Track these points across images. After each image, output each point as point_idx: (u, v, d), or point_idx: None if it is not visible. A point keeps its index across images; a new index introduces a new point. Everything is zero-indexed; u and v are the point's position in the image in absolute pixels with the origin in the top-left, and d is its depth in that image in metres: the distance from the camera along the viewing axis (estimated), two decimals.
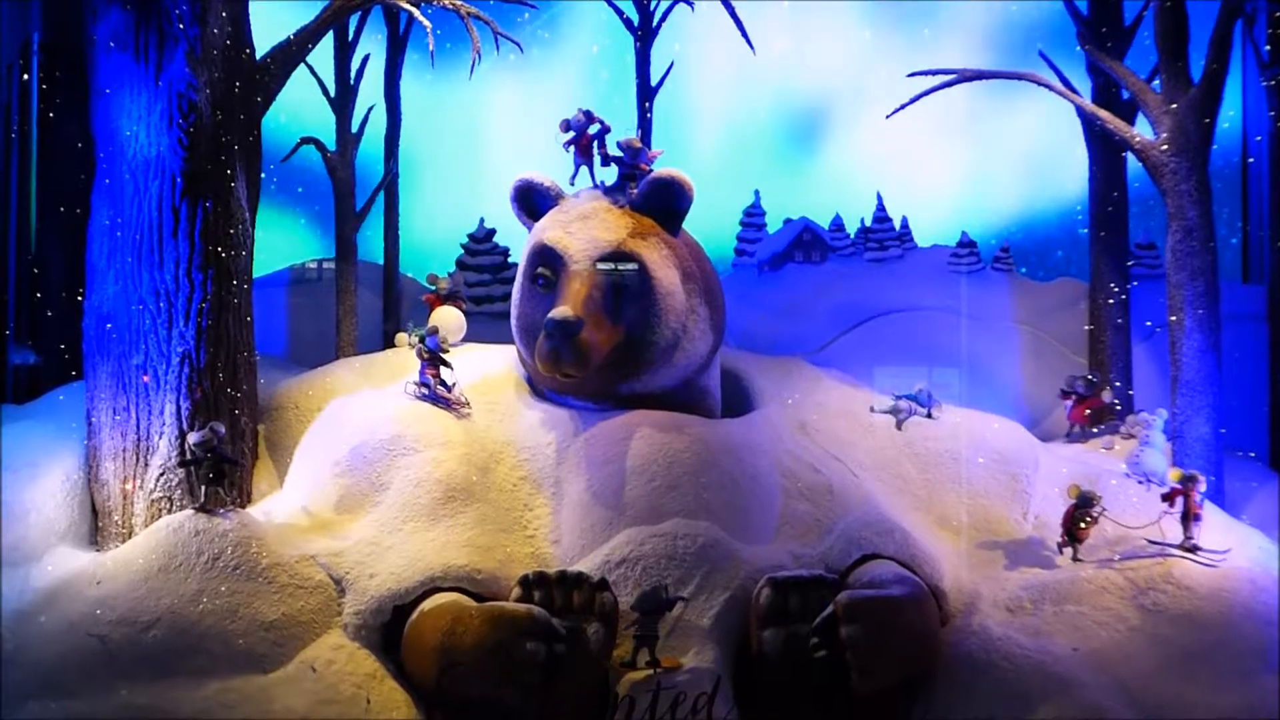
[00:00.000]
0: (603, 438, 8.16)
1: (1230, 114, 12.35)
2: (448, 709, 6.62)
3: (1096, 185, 11.37)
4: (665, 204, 8.76)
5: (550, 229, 8.60)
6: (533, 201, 9.01)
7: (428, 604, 6.97)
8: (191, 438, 7.60)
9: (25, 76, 9.96)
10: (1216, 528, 7.89)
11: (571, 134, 8.89)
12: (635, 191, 8.79)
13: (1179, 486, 7.65)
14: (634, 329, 8.34)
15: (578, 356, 7.94)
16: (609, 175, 9.03)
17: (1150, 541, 7.75)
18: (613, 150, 8.92)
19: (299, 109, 11.89)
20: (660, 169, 8.78)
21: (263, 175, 8.91)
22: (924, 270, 14.81)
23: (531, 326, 8.48)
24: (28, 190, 10.10)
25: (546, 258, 8.50)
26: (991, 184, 15.51)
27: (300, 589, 7.17)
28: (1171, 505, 7.67)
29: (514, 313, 8.83)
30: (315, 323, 12.58)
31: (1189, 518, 7.63)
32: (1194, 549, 7.57)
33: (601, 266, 8.31)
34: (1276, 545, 8.01)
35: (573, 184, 9.06)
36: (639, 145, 8.84)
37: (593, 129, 8.88)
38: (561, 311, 7.91)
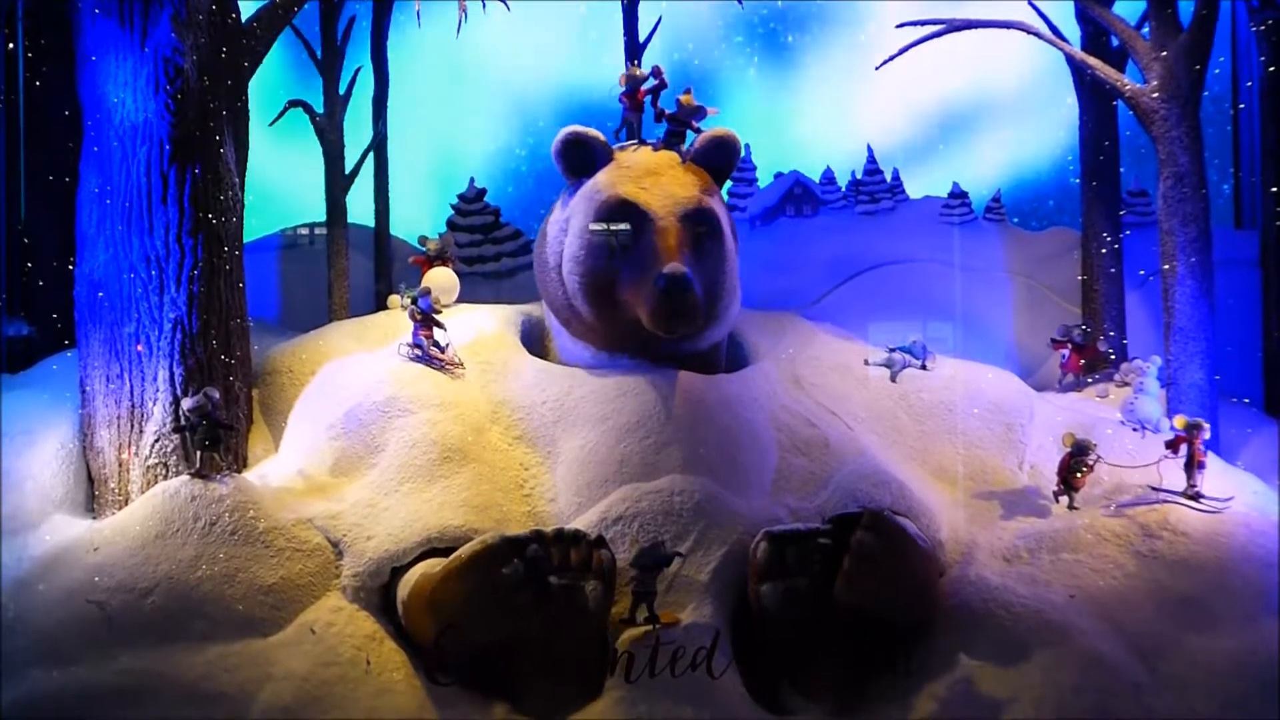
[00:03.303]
0: (597, 396, 8.15)
1: (1221, 59, 12.33)
2: (448, 667, 6.64)
3: (1087, 134, 11.33)
4: (720, 161, 8.87)
5: (621, 184, 8.49)
6: (581, 155, 8.82)
7: (405, 582, 7.01)
8: (186, 403, 7.60)
9: (10, 44, 9.88)
10: (1212, 473, 7.91)
11: (628, 84, 8.91)
12: (688, 148, 8.85)
13: (1183, 434, 7.63)
14: (708, 287, 8.31)
15: (695, 312, 7.97)
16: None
17: (1153, 488, 7.75)
18: (664, 107, 8.93)
19: (286, 72, 11.86)
20: (713, 127, 8.83)
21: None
22: (916, 222, 14.78)
23: (604, 283, 8.39)
24: (16, 159, 10.04)
25: (626, 213, 8.35)
26: (982, 134, 15.50)
27: (298, 552, 7.18)
28: (1175, 452, 7.66)
29: (575, 269, 8.54)
30: (307, 286, 12.57)
31: (1193, 465, 7.60)
32: (1197, 496, 7.55)
33: (686, 223, 8.30)
34: (1273, 489, 8.04)
35: (619, 138, 9.00)
36: (697, 104, 8.83)
37: (649, 84, 8.89)
38: (677, 268, 7.85)
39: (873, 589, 6.58)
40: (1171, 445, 7.66)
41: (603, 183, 8.59)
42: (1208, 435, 7.66)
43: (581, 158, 8.79)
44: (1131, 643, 6.59)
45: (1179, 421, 7.67)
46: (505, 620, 6.39)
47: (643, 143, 8.99)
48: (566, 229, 8.68)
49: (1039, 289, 13.18)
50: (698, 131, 8.84)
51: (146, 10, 7.90)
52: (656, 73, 8.84)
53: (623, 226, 8.35)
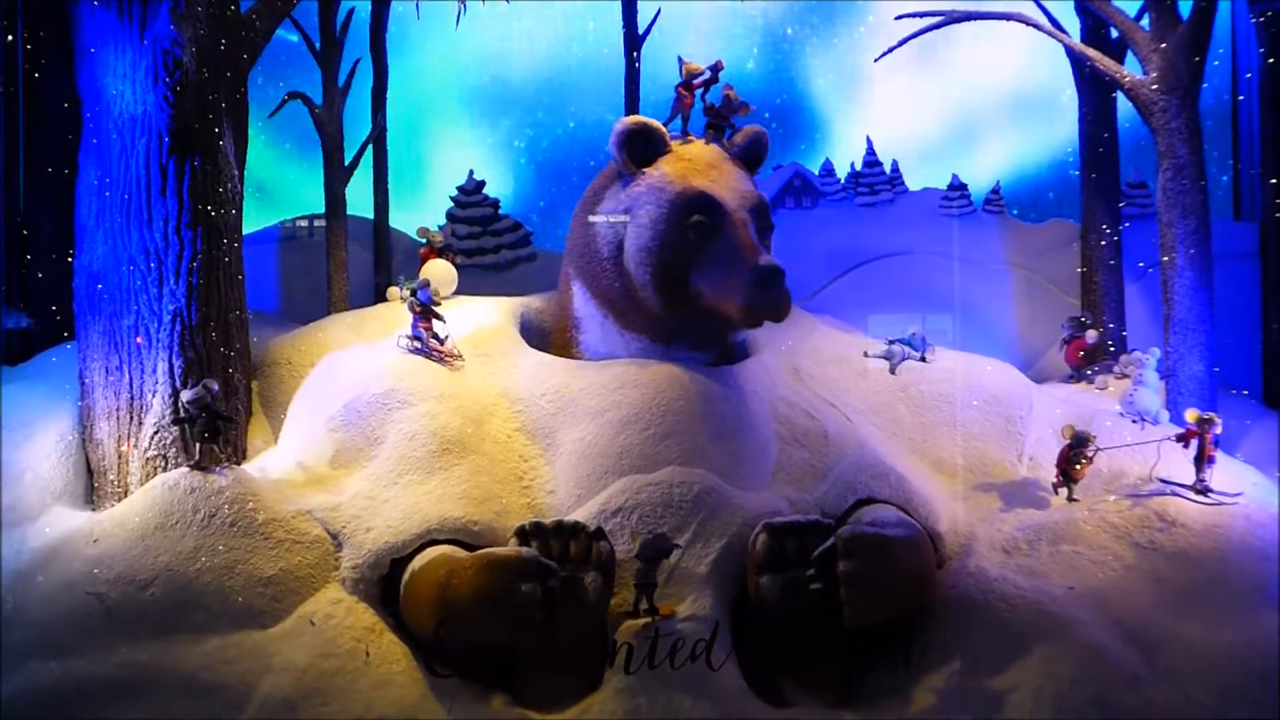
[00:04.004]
0: (597, 388, 8.15)
1: (1220, 51, 12.33)
2: (448, 659, 6.65)
3: (1087, 126, 11.34)
4: (756, 156, 8.97)
5: (692, 176, 8.45)
6: (643, 146, 8.71)
7: (421, 558, 7.02)
8: (185, 395, 7.59)
9: (9, 36, 9.87)
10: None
11: (686, 77, 8.90)
12: (731, 143, 8.90)
13: (1195, 428, 7.62)
14: None
15: (788, 304, 7.98)
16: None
17: (1161, 481, 7.75)
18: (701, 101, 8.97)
19: (285, 64, 11.85)
20: (750, 124, 8.94)
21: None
22: (915, 214, 14.79)
23: (678, 274, 8.33)
24: (15, 151, 10.03)
25: (704, 205, 8.28)
26: (982, 126, 15.50)
27: (297, 544, 7.19)
28: (1186, 446, 7.66)
29: (646, 259, 8.44)
30: (306, 278, 12.56)
31: (1203, 459, 7.58)
32: (1205, 491, 7.53)
33: (753, 216, 8.31)
34: (1272, 481, 8.04)
35: (669, 129, 8.98)
36: (741, 100, 8.89)
37: (703, 77, 8.89)
38: (772, 261, 7.85)
39: (877, 604, 6.60)
40: (1183, 439, 7.65)
41: (672, 174, 8.51)
42: (1219, 430, 7.64)
43: (644, 148, 8.68)
44: (1130, 634, 6.59)
45: (1191, 415, 7.65)
46: (506, 627, 6.42)
47: (688, 135, 9.00)
48: (624, 220, 8.67)
49: (1038, 281, 13.19)
50: (734, 128, 8.89)
51: (145, 2, 7.90)
52: (716, 67, 8.82)
53: (700, 219, 8.26)
